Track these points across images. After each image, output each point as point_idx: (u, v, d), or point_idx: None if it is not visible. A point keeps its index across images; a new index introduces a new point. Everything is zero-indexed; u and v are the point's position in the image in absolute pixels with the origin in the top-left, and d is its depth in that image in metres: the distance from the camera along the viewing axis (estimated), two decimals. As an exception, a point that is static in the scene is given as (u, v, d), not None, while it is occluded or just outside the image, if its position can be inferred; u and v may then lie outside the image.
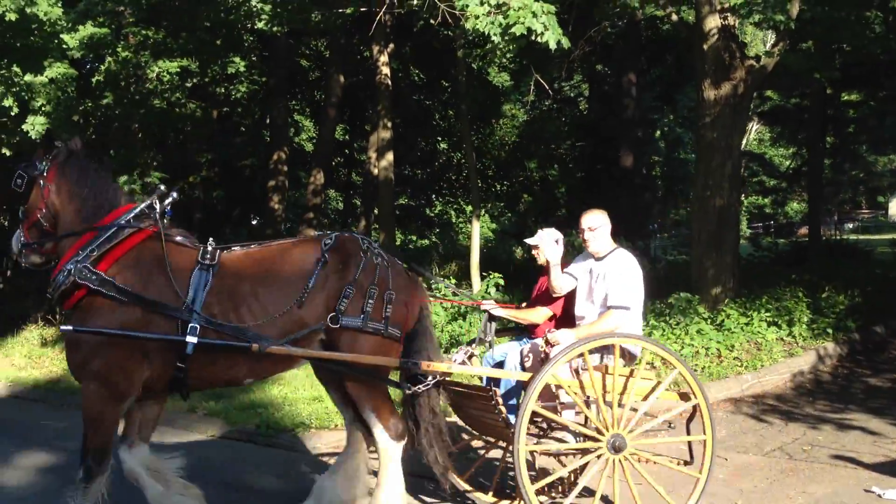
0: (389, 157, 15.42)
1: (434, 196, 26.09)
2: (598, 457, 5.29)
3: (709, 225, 11.30)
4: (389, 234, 15.42)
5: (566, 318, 6.06)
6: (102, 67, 13.94)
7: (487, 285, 12.05)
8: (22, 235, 5.50)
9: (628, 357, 5.58)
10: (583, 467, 5.45)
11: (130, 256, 5.21)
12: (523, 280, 14.31)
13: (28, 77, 12.60)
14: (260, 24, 12.27)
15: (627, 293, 5.62)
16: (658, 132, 26.07)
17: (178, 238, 5.42)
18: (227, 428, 9.63)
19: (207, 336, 5.02)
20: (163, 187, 5.58)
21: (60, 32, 12.78)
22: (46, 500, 6.08)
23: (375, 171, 17.29)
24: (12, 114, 13.32)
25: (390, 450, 5.31)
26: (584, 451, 5.36)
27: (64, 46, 13.02)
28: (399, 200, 23.13)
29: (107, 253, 5.15)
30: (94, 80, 14.00)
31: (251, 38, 15.18)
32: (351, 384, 5.35)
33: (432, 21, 16.28)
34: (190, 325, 4.99)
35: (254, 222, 29.90)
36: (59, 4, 12.56)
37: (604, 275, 5.73)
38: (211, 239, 5.46)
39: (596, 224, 5.86)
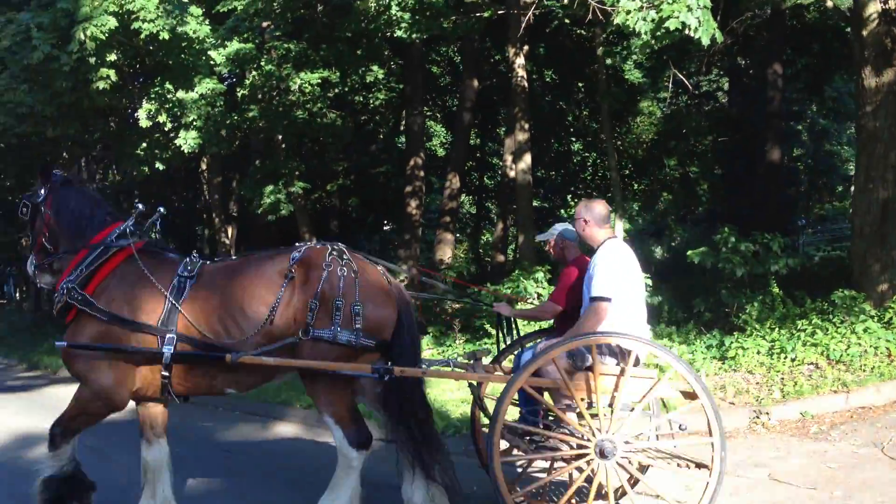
0: (527, 159, 15.30)
1: (570, 197, 25.79)
2: (588, 463, 5.01)
3: (872, 218, 10.66)
4: (528, 236, 15.28)
5: (575, 313, 5.79)
6: (247, 81, 14.36)
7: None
8: (34, 259, 6.00)
9: (624, 355, 5.18)
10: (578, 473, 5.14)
11: (115, 275, 5.59)
12: (665, 279, 13.94)
13: (180, 94, 13.14)
14: (399, 32, 12.39)
15: (605, 283, 5.31)
16: (801, 125, 24.92)
17: (168, 254, 5.80)
18: (376, 429, 9.72)
19: (184, 348, 5.32)
20: (141, 206, 5.90)
21: (208, 49, 13.25)
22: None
23: (512, 174, 17.20)
24: (166, 129, 13.93)
25: (350, 456, 5.34)
26: (572, 457, 5.13)
27: (211, 63, 13.51)
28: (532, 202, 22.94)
29: (95, 272, 5.59)
30: (239, 94, 14.45)
31: (387, 48, 15.33)
32: (312, 391, 5.42)
33: (567, 21, 16.18)
34: (167, 336, 5.31)
35: (386, 228, 30.39)
36: (207, 23, 13.04)
37: (589, 268, 5.53)
38: (194, 251, 5.78)
39: (577, 215, 5.70)
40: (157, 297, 5.44)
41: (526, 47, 16.31)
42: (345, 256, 5.44)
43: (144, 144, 15.46)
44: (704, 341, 10.26)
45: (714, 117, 21.15)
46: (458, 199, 18.99)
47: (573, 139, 24.72)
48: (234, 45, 13.26)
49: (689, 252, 11.33)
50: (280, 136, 15.88)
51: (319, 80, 14.14)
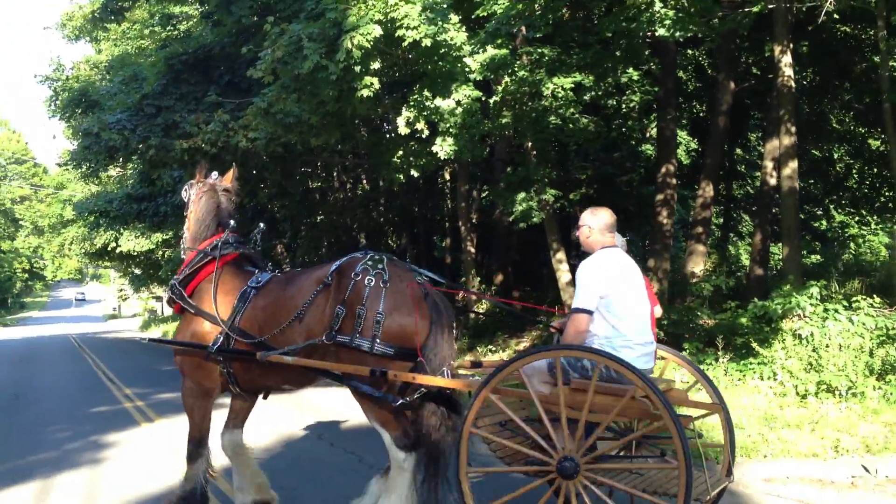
0: (793, 164, 14.19)
1: (832, 207, 23.95)
2: (551, 483, 4.94)
3: None
4: (793, 248, 14.17)
5: None
6: (499, 88, 14.29)
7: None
8: (185, 238, 7.24)
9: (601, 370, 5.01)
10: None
11: (206, 280, 6.65)
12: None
13: (437, 101, 13.25)
14: (661, 31, 11.83)
15: (580, 294, 5.29)
16: None
17: (249, 267, 6.80)
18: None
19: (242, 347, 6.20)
20: (232, 222, 6.96)
21: (464, 56, 13.28)
22: None
23: (772, 181, 16.12)
24: (423, 136, 14.12)
25: (398, 458, 5.66)
26: (537, 474, 5.09)
27: (466, 70, 13.52)
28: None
29: (195, 275, 6.73)
30: (491, 100, 14.40)
31: (647, 48, 14.70)
32: (358, 398, 5.82)
33: (836, 16, 14.87)
34: (215, 335, 6.30)
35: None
36: (463, 29, 13.06)
37: None
38: (270, 265, 6.92)
39: (581, 222, 5.66)
40: (229, 303, 6.42)
41: (791, 45, 15.20)
42: (379, 266, 5.81)
43: (400, 152, 15.83)
44: None
45: None
46: (710, 209, 18.03)
47: (835, 145, 22.91)
48: (489, 52, 13.20)
49: None
50: (529, 143, 15.74)
51: (572, 85, 13.82)
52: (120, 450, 10.50)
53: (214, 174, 7.29)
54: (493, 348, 17.86)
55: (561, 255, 16.60)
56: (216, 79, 18.47)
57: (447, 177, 25.73)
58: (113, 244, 39.95)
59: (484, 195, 24.98)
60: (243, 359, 6.26)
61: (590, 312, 5.25)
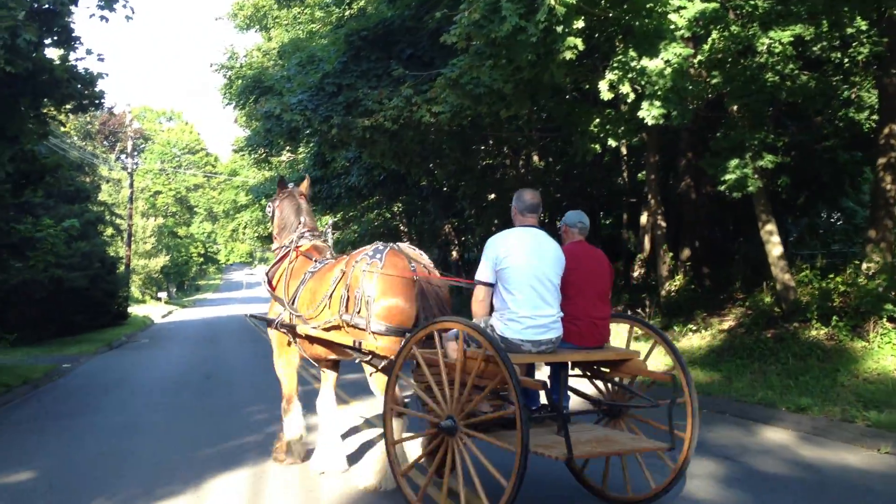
0: None
1: None
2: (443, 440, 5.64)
3: None
4: None
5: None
6: (705, 47, 13.08)
7: None
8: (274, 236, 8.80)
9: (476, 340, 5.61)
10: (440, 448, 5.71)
11: (284, 266, 8.19)
12: None
13: (644, 61, 12.17)
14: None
15: (482, 267, 5.88)
16: None
17: (314, 253, 8.07)
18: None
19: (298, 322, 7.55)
20: (307, 219, 8.52)
21: (669, 12, 12.14)
22: None
23: None
24: (628, 101, 13.07)
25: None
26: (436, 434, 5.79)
27: (672, 27, 12.36)
28: None
29: (277, 264, 8.37)
30: (697, 60, 13.21)
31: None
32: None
33: None
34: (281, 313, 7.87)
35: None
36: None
37: None
38: (330, 252, 8.20)
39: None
40: (293, 286, 7.80)
41: None
42: (377, 255, 6.75)
43: (597, 120, 14.83)
44: None
45: None
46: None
47: None
48: (697, 6, 12.00)
49: None
50: (735, 107, 14.46)
51: (791, 38, 12.43)
52: (320, 433, 10.24)
53: (291, 184, 8.96)
54: (693, 327, 16.66)
55: (771, 226, 15.21)
56: (397, 53, 17.95)
57: (623, 151, 24.50)
58: (285, 227, 40.74)
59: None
60: (287, 331, 7.71)
61: (489, 284, 5.85)
